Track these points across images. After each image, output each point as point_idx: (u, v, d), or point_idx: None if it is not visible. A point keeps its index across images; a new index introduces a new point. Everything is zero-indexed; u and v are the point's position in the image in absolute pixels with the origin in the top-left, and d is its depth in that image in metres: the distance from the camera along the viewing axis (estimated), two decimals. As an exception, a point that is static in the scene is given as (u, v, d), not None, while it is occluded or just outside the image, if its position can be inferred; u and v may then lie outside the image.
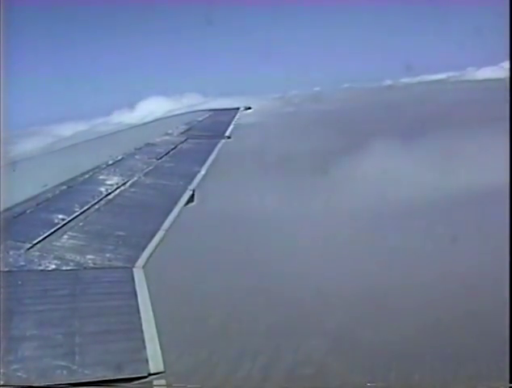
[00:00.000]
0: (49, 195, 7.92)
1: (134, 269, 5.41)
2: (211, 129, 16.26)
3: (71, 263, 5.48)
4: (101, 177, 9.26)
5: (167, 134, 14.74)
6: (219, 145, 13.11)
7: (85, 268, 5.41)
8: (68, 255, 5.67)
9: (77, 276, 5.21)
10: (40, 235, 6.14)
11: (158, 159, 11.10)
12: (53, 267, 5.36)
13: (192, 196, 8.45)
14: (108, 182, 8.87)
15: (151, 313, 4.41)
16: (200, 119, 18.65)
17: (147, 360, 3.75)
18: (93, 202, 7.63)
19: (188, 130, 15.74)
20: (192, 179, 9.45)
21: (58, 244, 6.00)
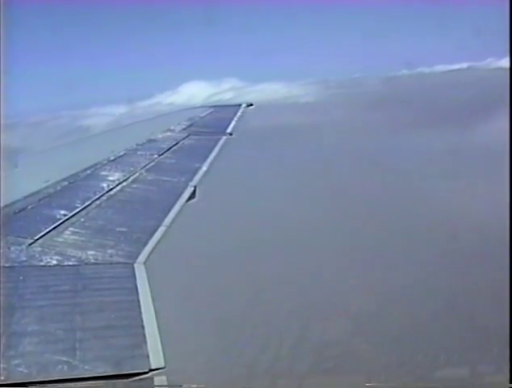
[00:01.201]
0: (51, 190, 7.93)
1: (135, 265, 5.41)
2: (213, 126, 16.25)
3: (72, 259, 5.48)
4: (103, 173, 9.26)
5: (169, 130, 14.74)
6: (220, 142, 13.11)
7: (86, 264, 5.41)
8: (69, 251, 5.68)
9: (78, 271, 5.21)
10: (42, 231, 6.15)
11: (160, 155, 11.10)
12: (55, 262, 5.37)
13: (194, 192, 8.45)
14: (110, 178, 8.87)
15: (152, 308, 4.41)
16: (202, 115, 18.63)
17: (148, 356, 3.75)
18: (94, 198, 7.63)
19: (190, 126, 15.73)
20: (194, 175, 9.45)
21: (60, 240, 6.00)
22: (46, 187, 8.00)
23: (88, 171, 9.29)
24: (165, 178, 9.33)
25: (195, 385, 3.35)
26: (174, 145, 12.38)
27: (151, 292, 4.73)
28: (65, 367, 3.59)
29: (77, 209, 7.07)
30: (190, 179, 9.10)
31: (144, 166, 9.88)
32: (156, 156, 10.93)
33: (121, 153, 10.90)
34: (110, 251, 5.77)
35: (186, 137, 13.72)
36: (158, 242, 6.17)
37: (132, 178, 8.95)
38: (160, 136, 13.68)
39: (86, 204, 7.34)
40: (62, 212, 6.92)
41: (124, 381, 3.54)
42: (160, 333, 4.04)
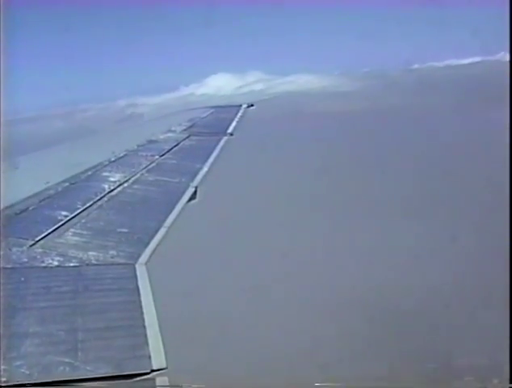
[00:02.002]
0: (52, 192, 7.93)
1: (137, 266, 5.41)
2: (213, 126, 16.25)
3: (74, 260, 5.48)
4: (104, 174, 9.26)
5: (170, 131, 14.74)
6: (221, 143, 13.10)
7: (87, 265, 5.41)
8: (70, 252, 5.67)
9: (79, 272, 5.21)
10: (43, 232, 6.15)
11: (161, 156, 11.10)
12: (56, 263, 5.37)
13: (195, 192, 8.44)
14: (111, 179, 8.87)
15: (153, 309, 4.41)
16: (203, 116, 18.65)
17: (149, 357, 3.75)
18: (96, 199, 7.63)
19: (191, 127, 15.74)
20: (195, 175, 9.45)
21: (61, 241, 6.00)
22: (47, 189, 8.00)
23: (89, 172, 9.30)
24: (166, 179, 9.33)
25: (195, 386, 3.34)
26: (175, 146, 12.38)
27: (152, 292, 4.73)
28: (67, 368, 3.58)
29: (79, 210, 7.07)
30: (191, 180, 9.11)
31: (145, 167, 9.88)
32: (157, 157, 10.93)
33: (122, 155, 10.90)
34: (111, 252, 5.77)
35: (187, 137, 13.73)
36: (160, 242, 6.17)
37: (133, 179, 8.95)
38: (161, 137, 13.68)
39: (88, 205, 7.34)
40: (64, 213, 6.92)
41: (126, 381, 3.54)
42: (161, 334, 4.04)
